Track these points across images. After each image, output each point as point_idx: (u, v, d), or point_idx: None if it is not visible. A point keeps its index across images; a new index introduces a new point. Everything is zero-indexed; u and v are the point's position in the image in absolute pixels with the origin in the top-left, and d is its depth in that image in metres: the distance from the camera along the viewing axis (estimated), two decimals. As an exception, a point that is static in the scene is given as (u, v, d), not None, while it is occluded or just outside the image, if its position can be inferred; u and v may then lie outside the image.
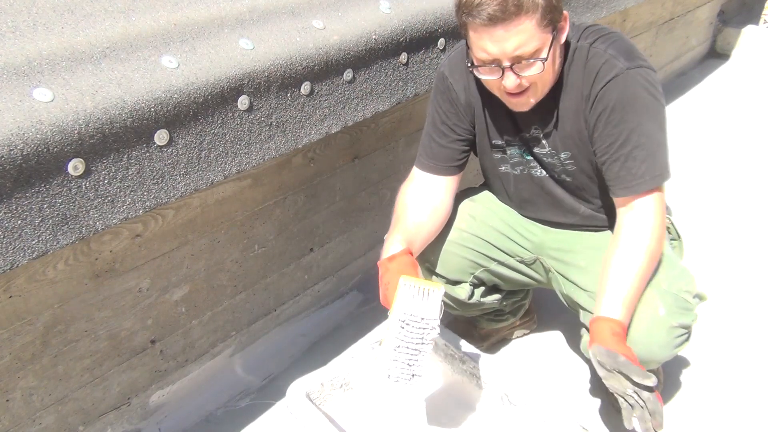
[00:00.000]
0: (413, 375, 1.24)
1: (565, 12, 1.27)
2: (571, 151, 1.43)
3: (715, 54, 4.13)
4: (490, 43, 1.21)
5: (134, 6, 1.28)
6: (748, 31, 4.04)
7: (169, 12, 1.30)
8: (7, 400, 1.29)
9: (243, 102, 1.28)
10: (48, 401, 1.37)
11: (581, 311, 1.52)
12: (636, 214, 1.34)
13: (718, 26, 4.07)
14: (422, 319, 1.21)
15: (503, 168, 1.56)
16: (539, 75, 1.25)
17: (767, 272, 2.21)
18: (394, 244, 1.41)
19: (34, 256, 1.05)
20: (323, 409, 1.40)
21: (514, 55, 1.21)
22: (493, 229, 1.62)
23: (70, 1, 1.24)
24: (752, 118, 3.36)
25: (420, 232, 1.47)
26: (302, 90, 1.39)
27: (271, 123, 1.35)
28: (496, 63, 1.24)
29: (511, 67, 1.23)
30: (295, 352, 1.89)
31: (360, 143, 1.87)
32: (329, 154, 1.78)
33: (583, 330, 1.51)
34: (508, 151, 1.52)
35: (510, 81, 1.25)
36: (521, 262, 1.65)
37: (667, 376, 1.78)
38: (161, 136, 1.16)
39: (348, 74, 1.47)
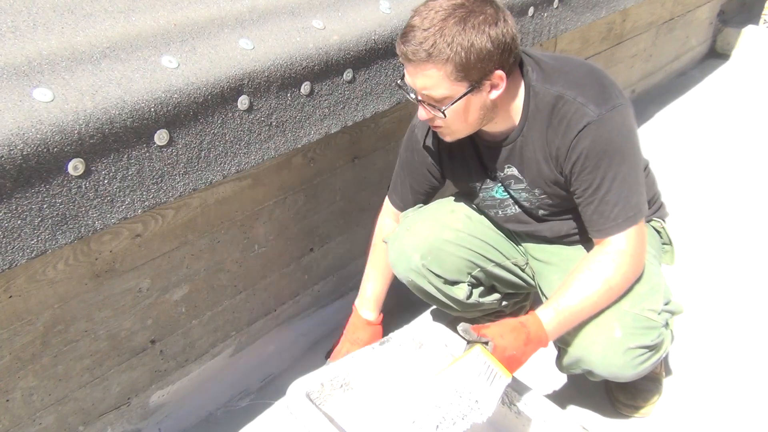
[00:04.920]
0: None
1: (499, 72, 1.25)
2: (542, 189, 1.45)
3: (715, 54, 4.13)
4: (408, 75, 1.29)
5: (134, 6, 1.28)
6: (748, 31, 4.04)
7: (169, 12, 1.30)
8: (7, 400, 1.29)
9: (243, 102, 1.28)
10: (48, 401, 1.37)
11: None
12: (608, 249, 1.36)
13: (718, 26, 4.07)
14: (476, 401, 1.19)
15: (479, 207, 1.64)
16: (444, 120, 1.31)
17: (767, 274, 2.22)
18: (368, 291, 1.74)
19: (32, 255, 1.05)
20: (323, 409, 1.40)
21: (423, 93, 1.28)
22: (489, 229, 1.64)
23: (70, 1, 1.24)
24: (752, 118, 3.36)
25: (389, 272, 1.71)
26: (302, 90, 1.39)
27: (270, 123, 1.35)
28: (414, 93, 1.31)
29: (421, 102, 1.31)
30: (295, 352, 1.89)
31: (360, 143, 1.87)
32: (329, 154, 1.78)
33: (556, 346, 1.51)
34: (480, 194, 1.57)
35: (420, 113, 1.34)
36: (516, 264, 1.66)
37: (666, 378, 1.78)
38: (161, 136, 1.16)
39: (348, 74, 1.47)
